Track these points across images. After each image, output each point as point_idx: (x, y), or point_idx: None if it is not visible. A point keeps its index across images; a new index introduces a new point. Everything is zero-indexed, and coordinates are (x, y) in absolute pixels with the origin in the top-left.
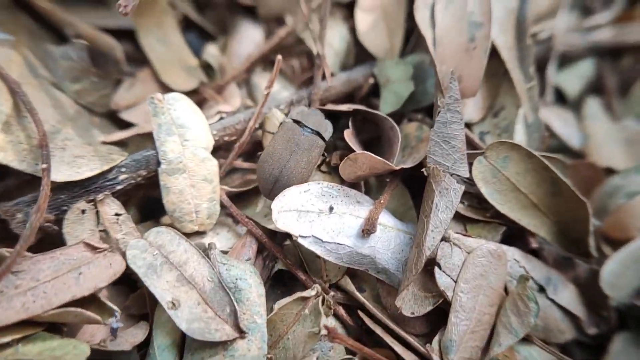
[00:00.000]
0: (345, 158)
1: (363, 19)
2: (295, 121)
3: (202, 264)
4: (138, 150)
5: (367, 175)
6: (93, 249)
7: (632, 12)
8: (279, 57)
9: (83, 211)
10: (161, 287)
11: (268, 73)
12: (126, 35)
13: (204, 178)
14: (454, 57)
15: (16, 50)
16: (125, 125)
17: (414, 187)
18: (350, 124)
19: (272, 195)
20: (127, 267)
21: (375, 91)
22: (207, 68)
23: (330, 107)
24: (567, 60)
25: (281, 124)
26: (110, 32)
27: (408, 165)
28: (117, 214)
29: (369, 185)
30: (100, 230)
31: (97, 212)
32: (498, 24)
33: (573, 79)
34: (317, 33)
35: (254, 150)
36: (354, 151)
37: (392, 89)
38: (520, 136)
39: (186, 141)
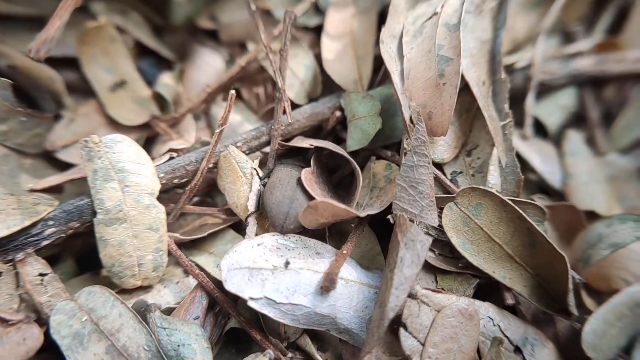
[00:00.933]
0: (306, 206)
1: (330, 46)
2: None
3: (138, 331)
4: (78, 196)
5: (330, 222)
6: (3, 321)
7: (614, 40)
8: (232, 92)
9: None
10: None
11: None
12: (70, 64)
13: (148, 227)
14: (424, 93)
15: None
16: (64, 166)
17: (382, 229)
18: (312, 163)
19: (285, 228)
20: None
21: (344, 123)
22: (160, 100)
23: (291, 143)
24: (546, 89)
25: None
26: (51, 60)
27: (375, 210)
28: (41, 274)
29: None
30: (20, 294)
31: (17, 274)
32: (470, 57)
33: (553, 110)
34: (277, 64)
35: (207, 190)
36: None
37: (359, 124)
38: (494, 179)
39: (127, 187)
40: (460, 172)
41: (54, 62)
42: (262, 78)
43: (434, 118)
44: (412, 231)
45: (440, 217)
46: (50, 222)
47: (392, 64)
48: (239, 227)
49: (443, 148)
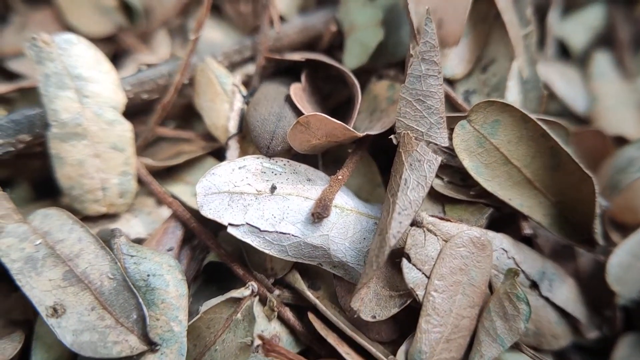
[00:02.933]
0: (295, 122)
1: None
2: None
3: (101, 257)
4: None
5: (324, 144)
6: None
7: None
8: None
9: None
10: (41, 287)
11: (210, 18)
12: None
13: (112, 146)
14: None
15: None
16: (13, 76)
17: (384, 159)
18: (302, 78)
19: (271, 150)
20: None
21: (340, 42)
22: (128, 9)
23: (278, 56)
24: (572, 5)
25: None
26: None
27: (375, 131)
28: None
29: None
30: None
31: None
32: None
33: (579, 30)
34: None
35: (184, 113)
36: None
37: (358, 37)
38: (513, 95)
39: (86, 98)
40: (474, 91)
41: None
42: None
43: (445, 26)
44: (419, 150)
45: (450, 137)
46: None
47: None
48: (219, 155)
49: (455, 62)
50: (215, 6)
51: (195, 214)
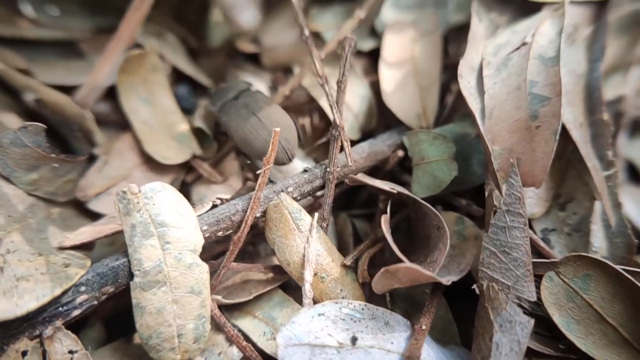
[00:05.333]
0: (383, 270)
1: (388, 75)
2: (222, 105)
3: None
4: (110, 248)
5: (403, 286)
6: None
7: None
8: (277, 129)
9: (24, 353)
10: None
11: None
12: (107, 93)
13: (190, 290)
14: (510, 136)
15: None
16: (95, 214)
17: (448, 290)
18: (388, 209)
19: (290, 155)
20: None
21: (403, 162)
22: (200, 135)
23: (365, 179)
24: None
25: (219, 115)
26: None
27: (456, 277)
28: (71, 352)
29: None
30: None
31: (44, 352)
32: (564, 94)
33: None
34: (333, 96)
35: (251, 240)
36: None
37: (430, 169)
38: (598, 241)
39: (167, 244)
40: (554, 230)
41: None
42: (308, 107)
43: (523, 166)
44: (509, 310)
45: (538, 288)
46: (82, 288)
47: (472, 102)
48: (288, 286)
49: (532, 200)
50: None
51: (266, 355)
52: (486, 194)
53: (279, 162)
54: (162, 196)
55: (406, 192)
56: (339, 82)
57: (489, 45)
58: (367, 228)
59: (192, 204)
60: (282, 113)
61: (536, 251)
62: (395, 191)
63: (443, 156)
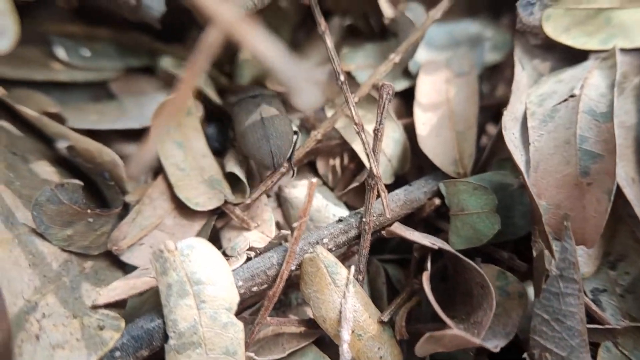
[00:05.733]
0: (428, 336)
1: (423, 118)
2: (239, 100)
3: None
4: (139, 302)
5: (446, 351)
6: None
7: None
8: (313, 180)
9: None
10: None
11: (305, 180)
12: (134, 135)
13: (224, 351)
14: (558, 191)
15: None
16: (126, 268)
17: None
18: (427, 265)
19: (277, 164)
20: None
21: (439, 209)
22: (232, 181)
23: (403, 232)
24: None
25: (233, 107)
26: (114, 133)
27: (503, 342)
28: None
29: None
30: None
31: None
32: None
33: None
34: (369, 144)
35: (283, 292)
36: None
37: (470, 221)
38: None
39: (203, 302)
40: (604, 290)
41: (116, 134)
42: (339, 148)
43: (573, 223)
44: None
45: (593, 359)
46: (117, 353)
47: (517, 154)
48: (322, 341)
49: (581, 259)
50: (310, 164)
51: None
52: (534, 253)
53: (264, 166)
54: (198, 253)
55: (447, 247)
56: (376, 130)
57: (533, 94)
58: (401, 275)
59: (225, 254)
60: (286, 123)
61: (588, 314)
62: (436, 246)
63: (484, 208)
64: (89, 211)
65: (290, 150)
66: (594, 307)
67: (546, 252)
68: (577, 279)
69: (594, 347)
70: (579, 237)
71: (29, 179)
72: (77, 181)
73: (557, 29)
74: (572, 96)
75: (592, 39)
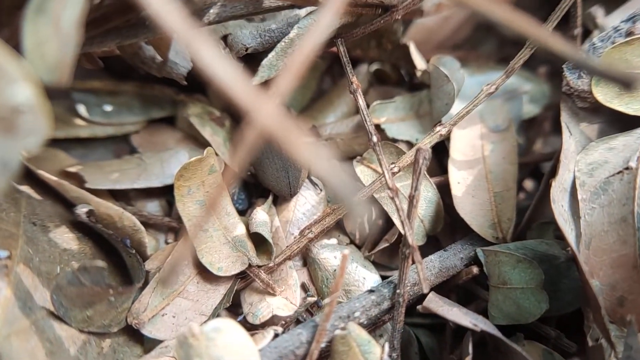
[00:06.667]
0: None
1: (458, 178)
2: None
3: None
4: None
5: None
6: None
7: None
8: (346, 251)
9: None
10: None
11: (334, 239)
12: (159, 193)
13: None
14: (613, 272)
15: (6, 276)
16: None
17: None
18: (469, 348)
19: (293, 192)
20: None
21: (478, 279)
22: (257, 243)
23: (442, 311)
24: None
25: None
26: (132, 192)
27: None
28: None
29: None
30: None
31: None
32: None
33: None
34: (404, 211)
35: None
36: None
37: (513, 296)
38: None
39: None
40: None
41: (137, 191)
42: (368, 205)
43: (629, 308)
44: None
45: None
46: None
47: (566, 228)
48: None
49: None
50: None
51: None
52: (588, 340)
53: (280, 194)
54: (225, 336)
55: (490, 329)
56: (411, 196)
57: (581, 161)
58: (434, 343)
59: (245, 320)
60: None
61: None
62: (478, 329)
63: (530, 284)
64: (111, 291)
65: (307, 175)
66: None
67: (603, 341)
68: None
69: None
70: (637, 324)
71: (48, 252)
72: (100, 263)
73: (608, 94)
74: (627, 168)
75: None
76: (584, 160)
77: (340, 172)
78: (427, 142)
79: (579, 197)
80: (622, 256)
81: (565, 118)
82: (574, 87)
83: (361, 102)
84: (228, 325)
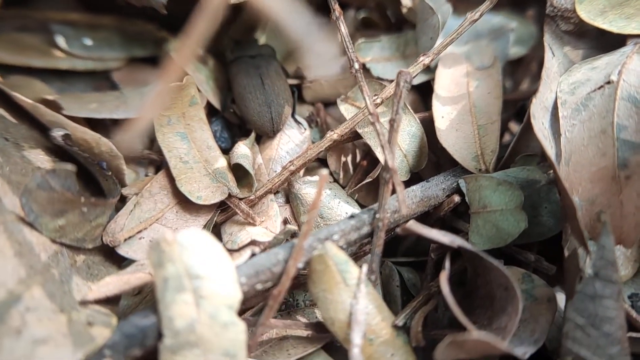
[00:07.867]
0: (449, 340)
1: (443, 112)
2: (237, 58)
3: None
4: (135, 302)
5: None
6: None
7: None
8: (324, 172)
9: None
10: None
11: (317, 176)
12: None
13: (224, 352)
14: (592, 186)
15: None
16: (121, 260)
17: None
18: (447, 264)
19: (276, 128)
20: None
21: (456, 207)
22: (237, 172)
23: (421, 230)
24: None
25: (230, 64)
26: (113, 123)
27: (532, 349)
28: None
29: None
30: None
31: None
32: None
33: None
34: (384, 136)
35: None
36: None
37: (493, 219)
38: None
39: (202, 299)
40: None
41: (116, 123)
42: (351, 144)
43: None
44: None
45: None
46: (107, 352)
47: (547, 145)
48: (331, 348)
49: (618, 261)
50: (321, 161)
51: None
52: (565, 252)
53: (262, 132)
54: (199, 245)
55: (468, 245)
56: (392, 120)
57: (564, 82)
58: (416, 279)
59: (227, 249)
60: (285, 87)
61: (626, 322)
62: (455, 245)
63: (509, 205)
64: (82, 200)
65: (291, 112)
66: (634, 314)
67: (580, 250)
68: (616, 280)
69: (635, 358)
70: (616, 236)
71: (20, 165)
72: (70, 166)
73: (591, 11)
74: (608, 83)
75: (631, 22)
76: (567, 81)
77: (298, 9)
78: (410, 71)
79: (560, 114)
80: (601, 169)
81: (548, 39)
82: (557, 6)
83: (343, 29)
84: (203, 235)
